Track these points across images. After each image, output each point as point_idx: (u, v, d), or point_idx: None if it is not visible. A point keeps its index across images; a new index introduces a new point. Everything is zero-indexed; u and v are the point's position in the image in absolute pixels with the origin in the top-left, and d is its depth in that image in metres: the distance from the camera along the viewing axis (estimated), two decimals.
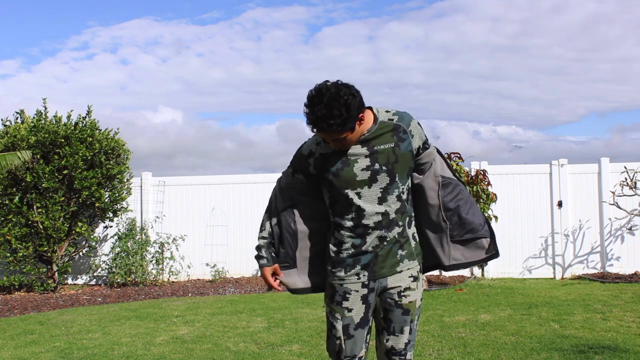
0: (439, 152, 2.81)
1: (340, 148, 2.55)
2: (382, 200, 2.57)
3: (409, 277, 2.65)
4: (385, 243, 2.59)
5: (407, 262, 2.65)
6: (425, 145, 2.69)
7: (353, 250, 2.60)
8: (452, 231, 2.73)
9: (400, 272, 2.63)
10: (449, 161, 2.94)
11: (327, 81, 2.46)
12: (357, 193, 2.55)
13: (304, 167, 2.68)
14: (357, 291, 2.62)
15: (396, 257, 2.62)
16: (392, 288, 2.63)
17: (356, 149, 2.56)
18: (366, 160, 2.55)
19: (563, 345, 4.99)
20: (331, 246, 2.66)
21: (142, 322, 6.67)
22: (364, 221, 2.56)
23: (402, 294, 2.64)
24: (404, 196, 2.63)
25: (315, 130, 2.46)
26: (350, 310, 2.63)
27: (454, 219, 2.73)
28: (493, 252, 2.77)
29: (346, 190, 2.56)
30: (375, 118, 2.57)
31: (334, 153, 2.58)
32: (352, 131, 2.47)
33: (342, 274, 2.63)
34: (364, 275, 2.61)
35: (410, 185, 2.70)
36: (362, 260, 2.60)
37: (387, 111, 2.61)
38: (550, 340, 5.20)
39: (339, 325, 2.64)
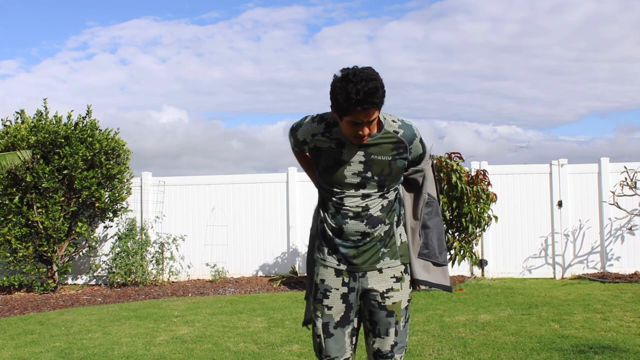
0: (433, 169, 2.84)
1: (360, 141, 2.48)
2: (365, 197, 2.56)
3: (391, 277, 2.62)
4: (368, 239, 2.58)
5: (388, 260, 2.62)
6: (421, 156, 2.73)
7: (333, 234, 2.61)
8: (420, 247, 2.77)
9: (380, 270, 2.61)
10: (435, 179, 2.92)
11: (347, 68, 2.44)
12: (341, 191, 2.58)
13: (301, 145, 2.72)
14: (337, 289, 2.61)
15: (378, 253, 2.60)
16: (374, 290, 2.62)
17: (353, 152, 2.52)
18: (359, 165, 2.53)
19: (563, 345, 4.98)
20: (319, 223, 2.69)
21: (142, 322, 6.67)
22: (343, 210, 2.57)
23: (385, 295, 2.61)
24: (390, 195, 2.62)
25: (359, 108, 2.34)
26: (330, 308, 2.62)
27: (422, 237, 2.77)
28: (447, 286, 2.80)
29: (333, 189, 2.58)
30: (381, 125, 2.54)
31: (328, 149, 2.56)
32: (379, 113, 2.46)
33: (325, 254, 2.64)
34: (343, 264, 2.61)
35: (397, 186, 2.69)
36: (341, 249, 2.60)
37: (394, 121, 2.58)
38: (550, 340, 5.20)
39: (319, 323, 2.65)
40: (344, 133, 2.51)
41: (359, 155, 2.52)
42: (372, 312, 2.64)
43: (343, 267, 2.61)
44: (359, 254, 2.59)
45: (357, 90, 2.32)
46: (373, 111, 2.38)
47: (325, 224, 2.63)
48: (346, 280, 2.61)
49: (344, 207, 2.56)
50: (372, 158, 2.52)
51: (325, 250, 2.64)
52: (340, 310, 2.62)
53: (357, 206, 2.55)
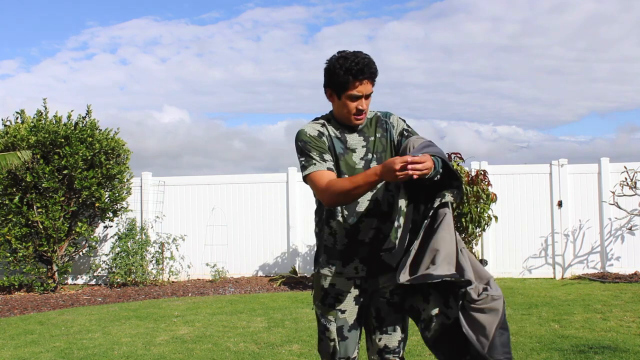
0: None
1: (359, 120, 2.59)
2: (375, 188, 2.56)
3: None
4: (381, 236, 2.58)
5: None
6: (406, 132, 2.66)
7: (347, 240, 2.58)
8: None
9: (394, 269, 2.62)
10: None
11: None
12: None
13: (324, 145, 2.58)
14: (350, 292, 2.60)
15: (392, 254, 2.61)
16: (383, 287, 2.62)
17: (354, 138, 2.61)
18: (363, 150, 2.61)
19: (563, 345, 4.98)
20: (326, 237, 2.64)
21: (142, 322, 6.67)
22: (358, 208, 2.56)
23: (394, 292, 2.62)
24: (391, 186, 2.61)
25: (360, 77, 2.49)
26: (343, 312, 2.61)
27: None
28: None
29: (345, 176, 2.56)
30: None
31: (335, 138, 2.61)
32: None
33: (339, 267, 2.60)
34: (362, 270, 2.58)
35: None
36: (360, 253, 2.58)
37: (369, 110, 2.69)
38: (550, 340, 5.20)
39: (332, 327, 2.62)
40: (342, 117, 2.59)
41: (360, 139, 2.62)
42: (380, 309, 2.64)
43: (362, 273, 2.59)
44: (376, 255, 2.58)
45: (357, 62, 2.50)
46: (371, 83, 2.54)
47: (337, 233, 2.59)
48: (358, 282, 2.61)
49: (358, 204, 2.55)
50: (370, 139, 2.63)
51: (340, 263, 2.60)
52: (354, 314, 2.62)
53: (369, 200, 2.56)
